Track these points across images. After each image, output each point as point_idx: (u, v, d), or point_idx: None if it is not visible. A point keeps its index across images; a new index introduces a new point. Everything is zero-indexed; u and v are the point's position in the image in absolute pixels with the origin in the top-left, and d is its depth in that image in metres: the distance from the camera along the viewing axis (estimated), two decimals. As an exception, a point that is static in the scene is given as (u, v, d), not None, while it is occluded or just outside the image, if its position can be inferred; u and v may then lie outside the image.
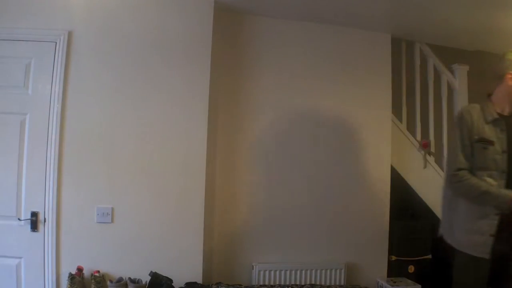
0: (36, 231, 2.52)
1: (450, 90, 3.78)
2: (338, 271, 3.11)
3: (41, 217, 2.53)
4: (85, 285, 2.47)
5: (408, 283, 3.17)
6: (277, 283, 2.97)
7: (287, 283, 2.99)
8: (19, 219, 2.51)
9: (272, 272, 2.99)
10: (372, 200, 3.29)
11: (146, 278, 2.51)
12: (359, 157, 3.29)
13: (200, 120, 2.79)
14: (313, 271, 3.07)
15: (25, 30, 2.57)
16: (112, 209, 2.64)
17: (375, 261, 3.28)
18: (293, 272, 3.03)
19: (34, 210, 2.52)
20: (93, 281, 2.45)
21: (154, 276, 2.50)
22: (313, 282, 3.03)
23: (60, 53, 2.59)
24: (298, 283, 3.00)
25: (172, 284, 2.49)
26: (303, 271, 3.05)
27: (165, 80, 2.77)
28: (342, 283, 3.09)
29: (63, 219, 2.55)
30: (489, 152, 2.05)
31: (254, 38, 3.15)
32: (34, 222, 2.51)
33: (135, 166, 2.69)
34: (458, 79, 3.72)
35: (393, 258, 3.34)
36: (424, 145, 3.61)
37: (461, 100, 3.73)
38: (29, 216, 2.51)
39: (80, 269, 2.48)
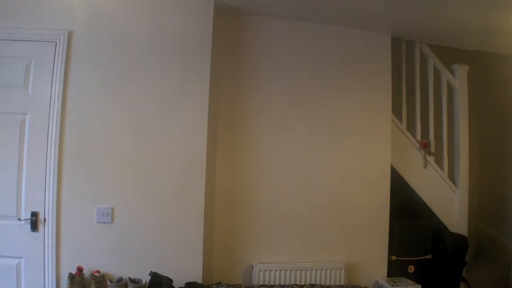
0: (36, 231, 2.52)
1: (450, 90, 3.79)
2: (338, 271, 3.11)
3: (41, 217, 2.53)
4: (85, 285, 2.47)
5: (408, 283, 3.17)
6: (277, 283, 2.97)
7: (287, 283, 2.99)
8: (19, 219, 2.51)
9: (272, 272, 2.99)
10: (372, 200, 3.29)
11: (146, 278, 2.51)
12: (359, 157, 3.28)
13: (200, 120, 2.79)
14: (313, 271, 3.07)
15: (25, 30, 2.57)
16: (112, 209, 2.63)
17: (375, 261, 3.28)
18: (293, 272, 3.03)
19: (34, 210, 2.52)
20: (93, 281, 2.45)
21: (154, 276, 2.50)
22: (313, 282, 3.03)
23: (60, 53, 2.59)
24: (298, 283, 3.00)
25: (172, 284, 2.49)
26: (303, 271, 3.05)
27: (166, 80, 2.76)
28: (342, 283, 3.09)
29: (63, 219, 2.55)
30: None
31: (254, 38, 3.15)
32: (34, 222, 2.51)
33: (135, 166, 2.69)
34: (458, 79, 3.73)
35: (393, 258, 3.34)
36: (424, 145, 3.61)
37: (461, 100, 3.74)
38: (29, 216, 2.51)
39: (80, 269, 2.48)
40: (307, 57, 3.22)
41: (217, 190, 3.00)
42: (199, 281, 2.71)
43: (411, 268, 3.38)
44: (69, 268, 2.50)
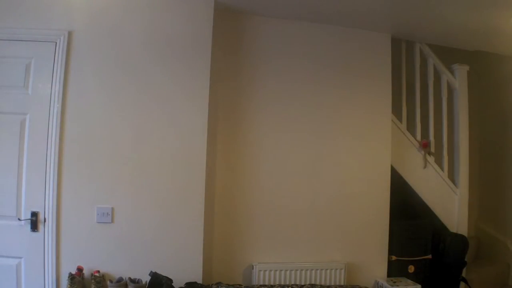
0: (36, 231, 2.52)
1: (450, 90, 3.79)
2: (338, 271, 3.11)
3: (41, 217, 2.53)
4: (85, 285, 2.47)
5: (408, 283, 3.17)
6: (277, 283, 2.97)
7: (287, 283, 2.99)
8: (19, 219, 2.51)
9: (272, 272, 2.99)
10: (372, 200, 3.29)
11: (146, 278, 2.51)
12: (359, 157, 3.28)
13: (200, 120, 2.79)
14: (313, 271, 3.07)
15: (25, 30, 2.57)
16: (112, 209, 2.64)
17: (375, 261, 3.28)
18: (293, 272, 3.03)
19: (34, 210, 2.52)
20: (93, 281, 2.45)
21: (154, 276, 2.50)
22: (313, 282, 3.03)
23: (60, 53, 2.59)
24: (298, 283, 3.00)
25: (172, 284, 2.49)
26: (303, 271, 3.05)
27: (166, 80, 2.76)
28: (342, 283, 3.09)
29: (63, 219, 2.55)
30: None
31: (254, 38, 3.15)
32: (34, 222, 2.51)
33: (135, 166, 2.69)
34: (458, 79, 3.73)
35: (393, 258, 3.34)
36: (424, 145, 3.61)
37: (461, 100, 3.74)
38: (29, 216, 2.51)
39: (80, 269, 2.48)
40: (307, 57, 3.22)
41: (217, 190, 3.00)
42: (199, 281, 2.71)
43: (411, 268, 3.38)
44: (69, 268, 2.50)
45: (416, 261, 3.40)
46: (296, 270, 3.04)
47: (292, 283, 2.99)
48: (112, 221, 2.63)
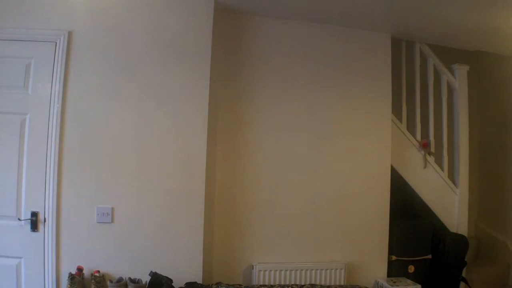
0: (36, 231, 2.52)
1: (450, 90, 3.79)
2: (338, 271, 3.11)
3: (41, 217, 2.53)
4: (85, 285, 2.47)
5: (408, 283, 3.17)
6: (277, 283, 2.97)
7: (287, 283, 2.99)
8: (19, 219, 2.51)
9: (272, 272, 2.99)
10: (372, 200, 3.29)
11: (146, 278, 2.51)
12: (359, 157, 3.28)
13: (200, 120, 2.79)
14: (313, 271, 3.07)
15: (25, 30, 2.57)
16: (112, 209, 2.63)
17: (375, 261, 3.28)
18: (293, 272, 3.03)
19: (34, 210, 2.52)
20: (93, 281, 2.45)
21: (154, 276, 2.49)
22: (313, 282, 3.03)
23: (60, 53, 2.59)
24: (298, 283, 3.00)
25: (172, 284, 2.49)
26: (303, 271, 3.05)
27: (166, 80, 2.76)
28: (342, 283, 3.09)
29: (63, 219, 2.55)
30: None
31: (254, 38, 3.15)
32: (34, 222, 2.51)
33: (135, 166, 2.69)
34: (458, 79, 3.73)
35: (393, 258, 3.34)
36: (424, 145, 3.61)
37: (461, 100, 3.74)
38: (29, 216, 2.51)
39: (80, 269, 2.48)
40: (307, 57, 3.22)
41: (217, 190, 3.00)
42: (199, 281, 2.71)
43: (411, 268, 3.38)
44: (69, 268, 2.50)
45: (416, 261, 3.40)
46: (296, 270, 3.04)
47: (292, 283, 2.99)
48: (112, 221, 2.63)
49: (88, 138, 2.63)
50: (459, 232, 3.59)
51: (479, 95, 4.39)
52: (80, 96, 2.62)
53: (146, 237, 2.67)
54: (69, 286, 2.38)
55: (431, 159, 3.65)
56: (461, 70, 3.73)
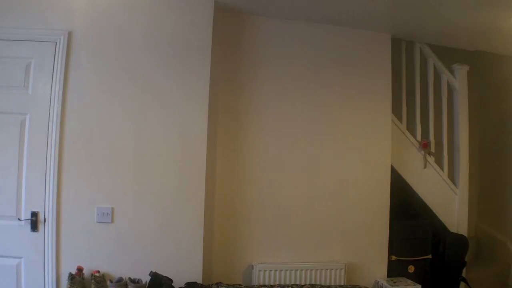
0: (36, 231, 2.52)
1: (450, 90, 3.79)
2: (338, 271, 3.11)
3: (41, 217, 2.53)
4: (85, 285, 2.47)
5: (408, 283, 3.17)
6: (277, 283, 2.97)
7: (287, 283, 2.99)
8: (19, 219, 2.51)
9: (272, 272, 2.99)
10: (372, 200, 3.29)
11: (146, 278, 2.51)
12: (359, 157, 3.28)
13: (200, 120, 2.79)
14: (313, 271, 3.07)
15: (25, 30, 2.57)
16: (112, 209, 2.64)
17: (375, 261, 3.28)
18: (293, 272, 3.03)
19: (34, 210, 2.52)
20: (93, 281, 2.45)
21: (154, 276, 2.49)
22: (313, 282, 3.03)
23: (60, 53, 2.59)
24: (298, 283, 3.00)
25: (172, 284, 2.49)
26: (303, 271, 3.05)
27: (165, 80, 2.76)
28: (342, 283, 3.09)
29: (63, 219, 2.55)
30: None
31: (254, 38, 3.15)
32: (34, 222, 2.51)
33: (135, 166, 2.69)
34: (458, 79, 3.73)
35: (393, 258, 3.34)
36: (424, 145, 3.61)
37: (461, 100, 3.75)
38: (29, 216, 2.51)
39: (80, 269, 2.48)
40: (307, 57, 3.22)
41: (217, 190, 3.00)
42: (199, 281, 2.71)
43: (411, 268, 3.38)
44: (69, 268, 2.50)
45: (416, 261, 3.40)
46: (296, 270, 3.04)
47: (292, 283, 2.99)
48: (112, 221, 2.63)
49: (88, 138, 2.63)
50: (459, 232, 3.59)
51: (479, 95, 4.39)
52: (80, 96, 2.62)
53: (146, 237, 2.67)
54: (69, 286, 2.38)
55: (431, 159, 3.65)
56: (461, 70, 3.73)
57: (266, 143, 3.12)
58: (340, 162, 3.25)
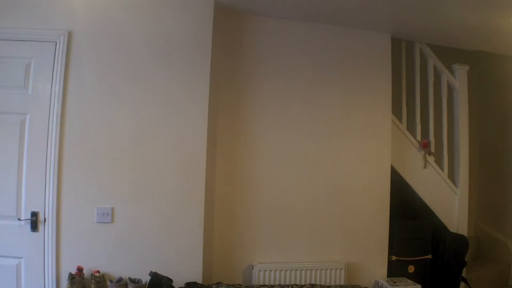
0: (36, 231, 2.52)
1: (450, 90, 3.79)
2: (338, 271, 3.11)
3: (41, 217, 2.53)
4: (85, 285, 2.47)
5: (408, 283, 3.17)
6: (277, 283, 2.97)
7: (287, 283, 2.99)
8: (19, 219, 2.51)
9: (272, 272, 2.99)
10: (372, 200, 3.29)
11: (146, 278, 2.51)
12: (359, 157, 3.28)
13: (200, 120, 2.79)
14: (313, 271, 3.07)
15: (25, 30, 2.57)
16: (112, 209, 2.64)
17: (375, 261, 3.28)
18: (293, 272, 3.03)
19: (34, 210, 2.52)
20: (93, 281, 2.45)
21: (154, 276, 2.50)
22: (313, 282, 3.03)
23: (60, 53, 2.59)
24: (298, 283, 3.00)
25: (172, 284, 2.49)
26: (303, 271, 3.05)
27: (165, 80, 2.76)
28: (342, 283, 3.09)
29: (63, 219, 2.55)
30: None
31: (254, 38, 3.15)
32: (34, 222, 2.51)
33: (135, 166, 2.69)
34: (458, 79, 3.74)
35: (393, 258, 3.34)
36: (424, 145, 3.61)
37: (461, 100, 3.75)
38: (29, 216, 2.51)
39: (80, 269, 2.48)
40: (307, 57, 3.22)
41: (217, 190, 3.00)
42: (199, 281, 2.71)
43: (411, 268, 3.38)
44: (69, 268, 2.50)
45: (416, 261, 3.40)
46: (296, 270, 3.04)
47: (292, 283, 2.99)
48: (112, 221, 2.63)
49: (88, 138, 2.63)
50: (459, 232, 3.59)
51: (479, 95, 4.39)
52: (80, 96, 2.62)
53: (146, 237, 2.67)
54: (69, 286, 2.38)
55: (431, 159, 3.65)
56: (461, 70, 3.73)
57: (266, 143, 3.12)
58: (340, 162, 3.25)
